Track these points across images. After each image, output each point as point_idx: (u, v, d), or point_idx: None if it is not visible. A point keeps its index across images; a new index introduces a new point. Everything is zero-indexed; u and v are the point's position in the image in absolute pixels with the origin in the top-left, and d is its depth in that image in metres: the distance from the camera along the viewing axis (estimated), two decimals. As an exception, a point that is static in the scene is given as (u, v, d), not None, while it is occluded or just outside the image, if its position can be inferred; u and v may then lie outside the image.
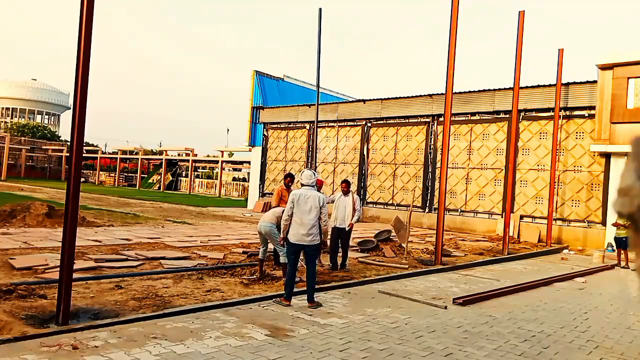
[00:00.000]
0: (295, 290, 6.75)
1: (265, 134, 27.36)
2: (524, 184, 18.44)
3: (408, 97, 21.92)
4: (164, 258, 9.27)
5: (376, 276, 8.96)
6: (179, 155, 51.85)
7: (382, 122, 22.70)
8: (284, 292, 6.71)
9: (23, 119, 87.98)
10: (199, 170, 60.47)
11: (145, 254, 9.50)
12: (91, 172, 58.99)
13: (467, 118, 20.07)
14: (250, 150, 28.62)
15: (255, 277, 7.96)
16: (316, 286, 7.35)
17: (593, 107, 16.89)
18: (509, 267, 11.66)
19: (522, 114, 18.26)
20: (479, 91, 19.75)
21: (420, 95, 21.49)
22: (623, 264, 12.64)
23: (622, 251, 12.68)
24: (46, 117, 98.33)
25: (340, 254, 9.53)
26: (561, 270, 11.36)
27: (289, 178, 9.38)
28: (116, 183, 53.48)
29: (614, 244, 13.75)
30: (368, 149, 23.13)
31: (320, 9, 14.17)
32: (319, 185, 9.18)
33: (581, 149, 17.36)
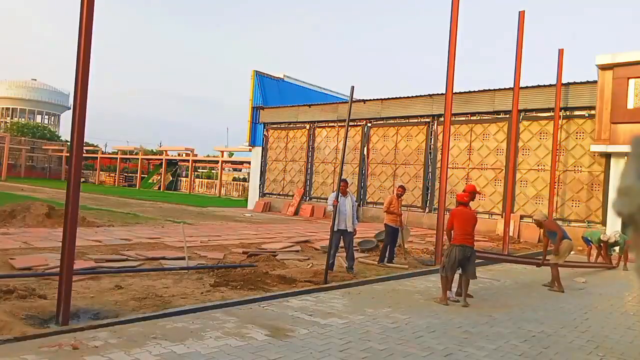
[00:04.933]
0: (295, 290, 6.76)
1: (266, 134, 27.34)
2: (524, 184, 18.43)
3: (408, 97, 21.91)
4: (164, 258, 9.27)
5: (376, 276, 8.96)
6: (179, 155, 51.83)
7: (382, 122, 22.69)
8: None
9: (23, 119, 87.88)
10: (199, 170, 60.43)
11: (145, 254, 9.50)
12: (91, 172, 58.94)
13: (467, 118, 20.06)
14: (250, 150, 28.61)
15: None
16: (315, 286, 7.36)
17: (593, 107, 16.87)
18: (509, 267, 11.66)
19: (522, 114, 18.23)
20: (479, 91, 19.73)
21: (421, 96, 21.48)
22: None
23: (594, 248, 13.03)
24: (46, 117, 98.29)
25: (340, 255, 9.51)
26: (561, 270, 11.34)
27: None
28: (116, 183, 53.46)
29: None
30: (368, 149, 23.12)
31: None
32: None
33: (581, 149, 17.35)
